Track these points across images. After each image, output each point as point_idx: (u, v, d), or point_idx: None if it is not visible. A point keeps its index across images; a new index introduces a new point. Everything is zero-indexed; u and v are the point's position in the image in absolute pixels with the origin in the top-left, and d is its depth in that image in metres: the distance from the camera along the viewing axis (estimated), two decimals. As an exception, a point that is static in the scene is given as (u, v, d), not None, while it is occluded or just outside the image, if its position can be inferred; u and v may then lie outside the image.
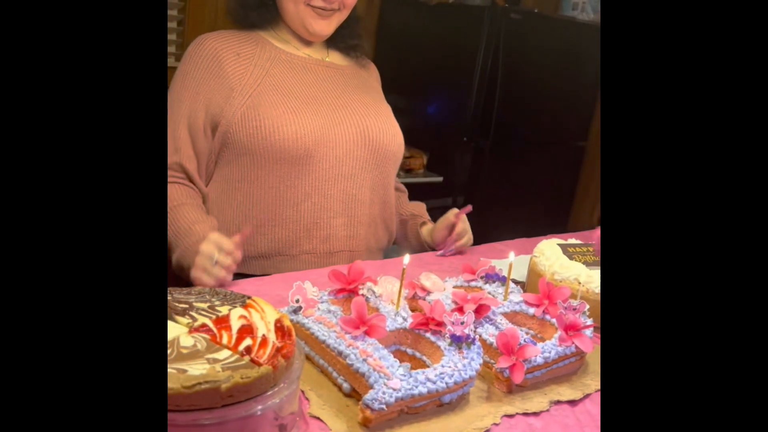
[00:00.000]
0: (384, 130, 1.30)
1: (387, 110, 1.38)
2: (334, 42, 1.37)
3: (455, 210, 1.34)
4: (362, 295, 0.93)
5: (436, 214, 1.47)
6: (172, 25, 2.43)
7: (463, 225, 1.34)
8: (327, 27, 1.28)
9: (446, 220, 1.34)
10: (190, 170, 1.22)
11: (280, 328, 0.74)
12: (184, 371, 0.63)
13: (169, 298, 0.78)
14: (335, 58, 1.38)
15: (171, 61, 2.44)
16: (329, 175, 1.23)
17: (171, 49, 2.46)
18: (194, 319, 0.74)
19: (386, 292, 0.95)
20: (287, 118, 1.19)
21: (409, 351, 0.88)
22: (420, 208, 1.46)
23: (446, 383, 0.77)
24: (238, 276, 1.11)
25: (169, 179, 1.21)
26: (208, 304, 0.78)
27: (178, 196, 1.19)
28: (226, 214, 1.24)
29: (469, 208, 1.32)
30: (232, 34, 1.29)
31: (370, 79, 1.43)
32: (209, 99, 1.22)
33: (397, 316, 0.89)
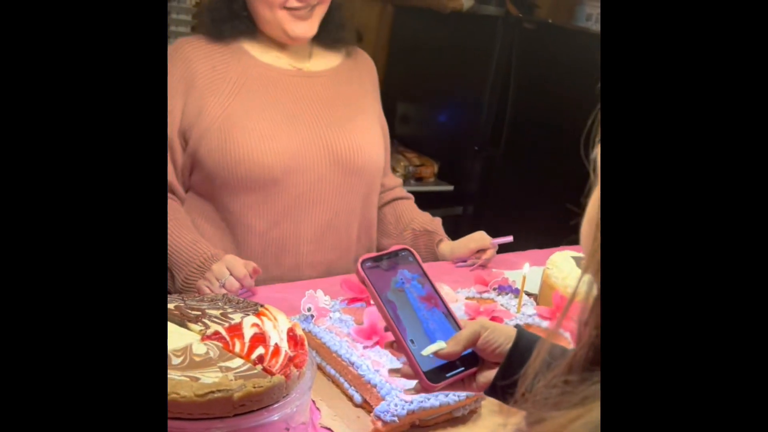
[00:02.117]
0: (359, 149, 1.23)
1: (365, 122, 1.29)
2: (318, 38, 1.26)
3: (486, 236, 1.30)
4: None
5: (446, 222, 1.46)
6: (185, 30, 2.44)
7: (493, 251, 1.31)
8: (309, 28, 1.19)
9: (481, 241, 1.29)
10: (170, 182, 1.18)
11: (292, 337, 0.74)
12: (197, 379, 0.63)
13: (181, 304, 0.78)
14: (318, 62, 1.28)
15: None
16: (300, 201, 1.18)
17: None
18: (207, 327, 0.74)
19: (398, 302, 0.94)
20: (257, 145, 1.14)
21: (421, 362, 0.87)
22: (435, 224, 1.38)
23: (458, 396, 0.77)
24: None
25: None
26: (220, 311, 0.78)
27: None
28: (202, 234, 1.19)
29: (510, 238, 1.29)
30: (209, 42, 1.22)
31: (356, 82, 1.32)
32: (181, 111, 1.17)
33: (409, 327, 0.89)
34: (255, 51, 1.23)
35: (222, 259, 1.05)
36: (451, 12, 2.53)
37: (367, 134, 1.27)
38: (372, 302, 0.93)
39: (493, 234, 1.35)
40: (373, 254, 0.67)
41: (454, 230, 1.45)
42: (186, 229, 1.13)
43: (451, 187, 2.54)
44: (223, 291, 1.02)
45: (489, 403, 0.84)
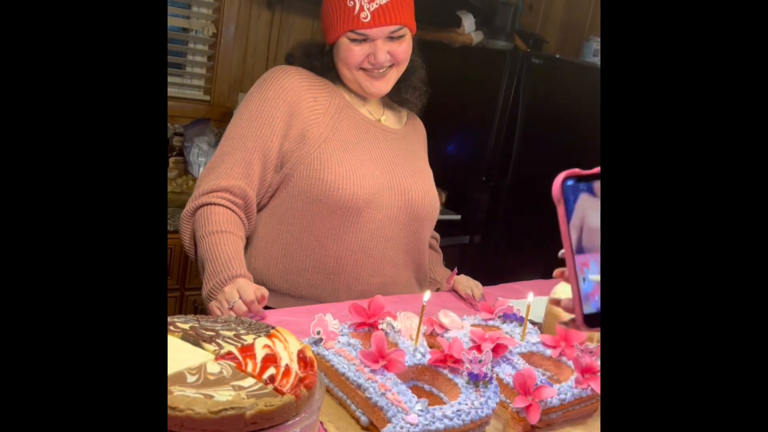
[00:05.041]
0: (424, 197, 1.34)
1: (429, 176, 1.42)
2: (390, 96, 1.38)
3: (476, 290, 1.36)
4: (382, 329, 0.95)
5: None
6: (202, 59, 2.51)
7: (464, 285, 1.36)
8: (384, 86, 1.30)
9: (467, 291, 1.36)
10: (251, 199, 1.25)
11: (302, 359, 0.76)
12: (211, 397, 0.65)
13: (196, 325, 0.81)
14: (389, 119, 1.40)
15: (200, 94, 2.51)
16: (373, 236, 1.27)
17: (200, 82, 2.53)
18: (220, 347, 0.76)
19: (405, 328, 0.97)
20: (349, 177, 1.23)
21: (427, 387, 0.89)
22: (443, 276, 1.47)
23: (463, 420, 0.78)
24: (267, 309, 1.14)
25: (223, 202, 1.21)
26: (233, 332, 0.80)
27: (226, 221, 1.19)
28: (273, 250, 1.28)
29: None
30: (310, 75, 1.32)
31: (417, 143, 1.45)
32: (284, 136, 1.26)
33: (415, 352, 0.91)
34: (346, 95, 1.34)
35: (234, 282, 1.08)
36: (461, 46, 2.59)
37: (431, 185, 1.39)
38: (379, 327, 0.96)
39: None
40: (577, 171, 0.59)
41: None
42: (231, 243, 1.17)
43: (458, 217, 2.57)
44: (232, 313, 1.05)
45: (493, 429, 0.85)
